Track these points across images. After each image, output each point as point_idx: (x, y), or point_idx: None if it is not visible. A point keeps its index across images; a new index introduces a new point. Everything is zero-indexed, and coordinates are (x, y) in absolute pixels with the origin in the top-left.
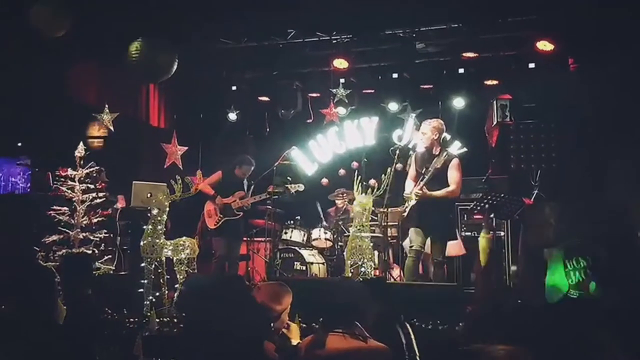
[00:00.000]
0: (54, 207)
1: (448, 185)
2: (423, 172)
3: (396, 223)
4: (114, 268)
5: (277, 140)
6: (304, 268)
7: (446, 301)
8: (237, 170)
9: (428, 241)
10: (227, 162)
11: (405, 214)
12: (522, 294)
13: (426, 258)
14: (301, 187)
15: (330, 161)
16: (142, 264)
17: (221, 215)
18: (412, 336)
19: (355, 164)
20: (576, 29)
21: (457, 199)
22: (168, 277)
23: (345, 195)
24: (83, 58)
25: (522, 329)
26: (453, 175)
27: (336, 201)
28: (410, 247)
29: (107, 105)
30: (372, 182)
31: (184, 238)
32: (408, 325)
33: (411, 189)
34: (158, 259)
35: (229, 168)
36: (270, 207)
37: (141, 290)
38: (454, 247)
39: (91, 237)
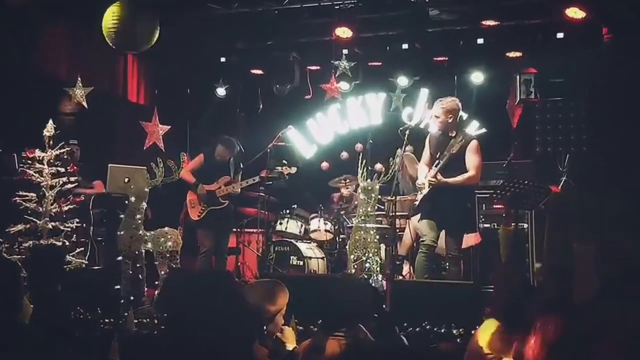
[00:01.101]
0: (20, 193)
1: (466, 171)
2: (438, 156)
3: (406, 213)
4: (86, 262)
5: (271, 118)
6: (301, 263)
7: (462, 302)
8: (215, 153)
9: (442, 234)
10: (213, 143)
11: (417, 203)
12: (548, 294)
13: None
14: (293, 170)
15: (331, 143)
16: (119, 258)
17: (205, 205)
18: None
19: (359, 146)
20: None
21: (475, 187)
22: (148, 272)
23: (348, 181)
24: (52, 24)
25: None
26: (472, 159)
27: (341, 189)
28: (422, 241)
29: (79, 79)
30: (378, 166)
31: (166, 229)
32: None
33: (425, 175)
34: (137, 252)
35: (210, 150)
36: (263, 194)
37: (117, 286)
38: (468, 238)
39: (61, 227)
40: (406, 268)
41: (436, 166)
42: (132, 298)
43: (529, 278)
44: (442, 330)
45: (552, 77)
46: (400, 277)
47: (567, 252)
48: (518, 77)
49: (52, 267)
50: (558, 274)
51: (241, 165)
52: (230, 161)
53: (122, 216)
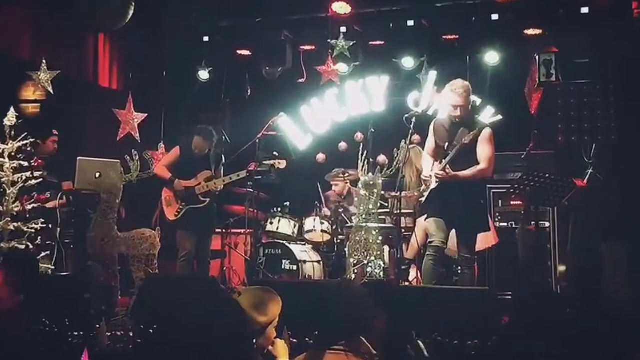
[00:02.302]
0: None
1: (476, 163)
2: (446, 147)
3: (412, 211)
4: (53, 267)
5: (260, 105)
6: (295, 268)
7: (476, 310)
8: (192, 145)
9: (452, 235)
10: (192, 134)
11: (424, 199)
12: (572, 301)
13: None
14: (283, 164)
15: (328, 132)
16: (89, 262)
17: (182, 204)
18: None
19: (359, 136)
20: None
21: (489, 180)
22: (122, 278)
23: (347, 175)
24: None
25: (571, 345)
26: (484, 150)
27: (333, 184)
28: (430, 242)
29: (44, 61)
30: (381, 158)
31: (142, 230)
32: (420, 344)
33: (430, 168)
34: (109, 256)
35: (189, 142)
36: (251, 190)
37: (88, 295)
38: (483, 239)
39: (24, 229)
40: (413, 273)
41: (444, 158)
42: (104, 308)
43: (552, 283)
44: (455, 342)
45: (575, 57)
46: (407, 284)
47: (594, 253)
48: (537, 57)
49: (18, 273)
50: (584, 278)
51: (223, 158)
52: (209, 154)
53: (92, 216)
